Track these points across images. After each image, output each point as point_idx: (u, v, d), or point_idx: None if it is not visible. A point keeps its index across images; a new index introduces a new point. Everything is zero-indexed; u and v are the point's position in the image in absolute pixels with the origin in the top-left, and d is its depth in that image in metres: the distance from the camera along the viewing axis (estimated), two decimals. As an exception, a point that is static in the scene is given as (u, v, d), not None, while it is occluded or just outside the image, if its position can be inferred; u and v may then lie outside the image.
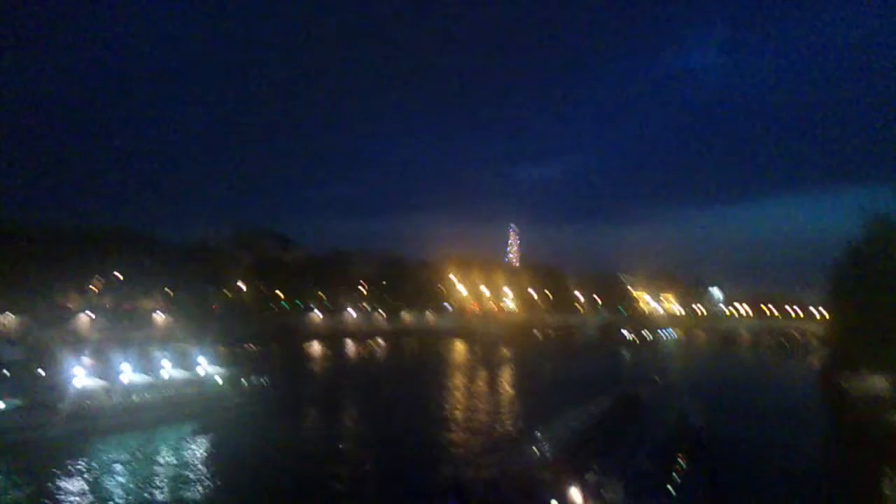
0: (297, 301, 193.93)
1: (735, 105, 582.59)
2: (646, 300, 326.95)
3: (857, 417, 68.96)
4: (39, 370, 59.77)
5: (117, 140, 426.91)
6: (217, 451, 53.68)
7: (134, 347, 69.61)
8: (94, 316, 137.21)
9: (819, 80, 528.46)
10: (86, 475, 45.19)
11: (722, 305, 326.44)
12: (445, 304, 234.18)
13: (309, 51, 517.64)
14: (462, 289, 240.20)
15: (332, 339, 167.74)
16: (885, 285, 68.31)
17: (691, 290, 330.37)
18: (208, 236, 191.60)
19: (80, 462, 47.54)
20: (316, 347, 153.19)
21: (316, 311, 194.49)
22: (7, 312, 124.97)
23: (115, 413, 56.93)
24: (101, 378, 58.64)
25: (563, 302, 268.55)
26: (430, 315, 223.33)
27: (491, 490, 30.31)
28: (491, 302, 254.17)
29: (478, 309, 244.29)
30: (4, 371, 57.84)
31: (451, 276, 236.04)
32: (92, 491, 42.10)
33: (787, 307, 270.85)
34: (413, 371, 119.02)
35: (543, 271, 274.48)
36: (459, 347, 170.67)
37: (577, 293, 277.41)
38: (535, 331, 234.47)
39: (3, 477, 44.30)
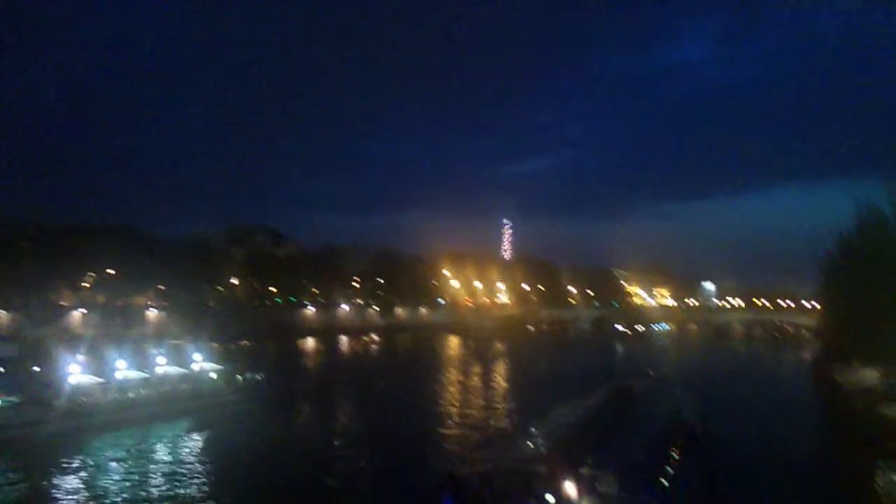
0: (291, 297, 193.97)
1: (726, 99, 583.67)
2: (639, 294, 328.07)
3: (849, 410, 69.25)
4: (35, 367, 59.73)
5: (109, 137, 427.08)
6: (213, 447, 53.79)
7: (129, 344, 69.55)
8: (86, 312, 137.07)
9: (810, 74, 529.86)
10: (82, 472, 45.18)
11: (714, 299, 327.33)
12: (439, 299, 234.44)
13: (301, 48, 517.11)
14: (456, 284, 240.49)
15: (326, 334, 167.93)
16: (875, 277, 68.48)
17: (684, 284, 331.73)
18: (201, 232, 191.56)
19: (76, 459, 47.50)
20: (310, 343, 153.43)
21: (310, 306, 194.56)
22: (0, 309, 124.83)
23: (110, 409, 56.88)
24: (96, 375, 58.58)
25: (556, 296, 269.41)
26: (423, 310, 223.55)
27: (485, 484, 30.43)
28: (484, 297, 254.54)
29: (471, 304, 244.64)
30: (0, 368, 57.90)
31: (445, 271, 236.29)
32: (88, 488, 42.09)
33: (779, 300, 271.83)
34: (407, 366, 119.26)
35: (537, 266, 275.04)
36: (453, 342, 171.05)
37: (570, 287, 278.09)
38: (528, 325, 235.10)
39: (1, 475, 44.35)
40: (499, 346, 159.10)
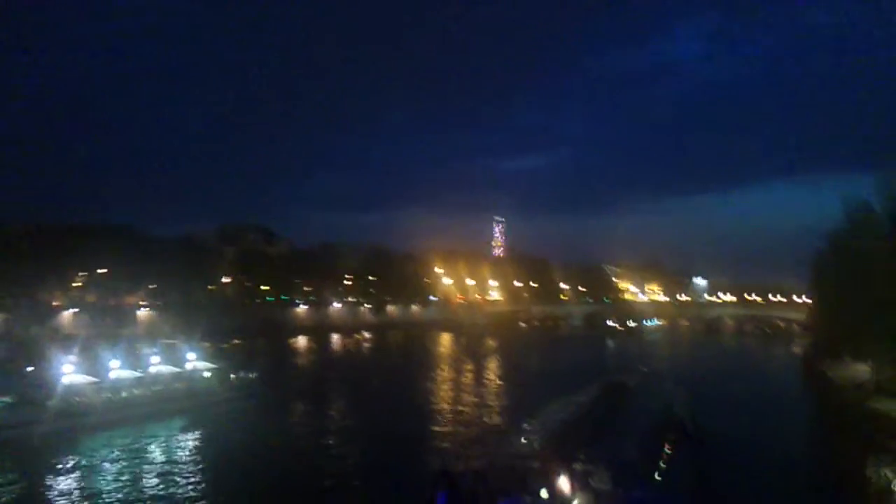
0: (283, 295, 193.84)
1: (722, 96, 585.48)
2: (630, 290, 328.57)
3: (840, 404, 69.70)
4: (28, 367, 59.67)
5: (105, 136, 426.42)
6: (207, 446, 53.82)
7: (122, 343, 69.56)
8: (75, 311, 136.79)
9: (805, 71, 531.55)
10: (76, 473, 45.22)
11: (706, 294, 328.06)
12: (431, 296, 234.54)
13: (297, 47, 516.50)
14: (448, 281, 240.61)
15: (318, 332, 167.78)
16: (864, 273, 68.93)
17: (676, 280, 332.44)
18: (193, 231, 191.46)
19: (70, 459, 47.53)
20: (302, 342, 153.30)
21: (301, 305, 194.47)
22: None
23: (104, 409, 56.87)
24: (89, 374, 58.57)
25: (548, 292, 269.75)
26: (415, 307, 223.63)
27: (480, 480, 30.61)
28: (476, 293, 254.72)
29: (463, 301, 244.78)
30: None
31: (437, 268, 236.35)
32: (83, 489, 42.13)
33: (770, 295, 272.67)
34: (400, 364, 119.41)
35: (529, 262, 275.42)
36: (445, 340, 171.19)
37: (562, 284, 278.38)
38: (520, 322, 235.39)
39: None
40: (491, 342, 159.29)
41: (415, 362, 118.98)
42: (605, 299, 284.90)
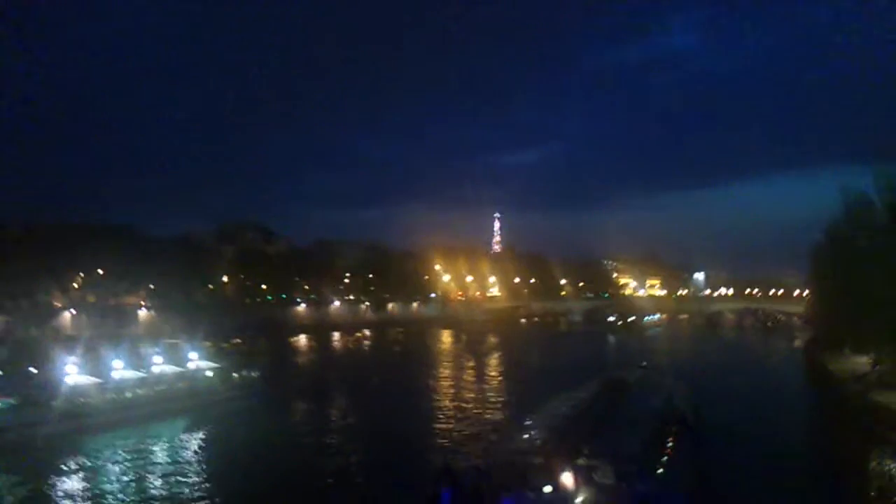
0: (282, 294, 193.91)
1: (719, 88, 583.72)
2: (630, 285, 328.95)
3: (841, 397, 69.90)
4: (31, 368, 59.81)
5: (98, 136, 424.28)
6: (210, 446, 54.02)
7: (125, 343, 69.74)
8: (75, 312, 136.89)
9: (798, 62, 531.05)
10: (80, 474, 45.38)
11: (707, 289, 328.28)
12: (431, 293, 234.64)
13: (294, 45, 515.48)
14: (447, 278, 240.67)
15: (318, 331, 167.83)
16: (863, 265, 69.09)
17: (676, 275, 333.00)
18: (192, 230, 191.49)
19: (74, 460, 47.69)
20: (302, 340, 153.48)
21: (301, 303, 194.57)
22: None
23: (108, 410, 57.02)
24: (92, 375, 58.73)
25: (548, 289, 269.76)
26: (415, 305, 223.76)
27: (483, 476, 30.74)
28: (476, 290, 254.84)
29: (463, 298, 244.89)
30: None
31: (436, 265, 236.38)
32: (87, 490, 42.30)
33: (770, 289, 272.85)
34: (401, 362, 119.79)
35: (528, 258, 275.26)
36: (446, 337, 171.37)
37: (561, 280, 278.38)
38: (520, 318, 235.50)
39: (1, 476, 44.51)
40: (491, 339, 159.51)
41: (415, 360, 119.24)
42: (604, 295, 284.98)
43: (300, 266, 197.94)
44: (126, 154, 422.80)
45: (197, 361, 68.86)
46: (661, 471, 33.25)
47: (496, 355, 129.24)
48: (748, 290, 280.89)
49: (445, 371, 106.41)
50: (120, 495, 41.24)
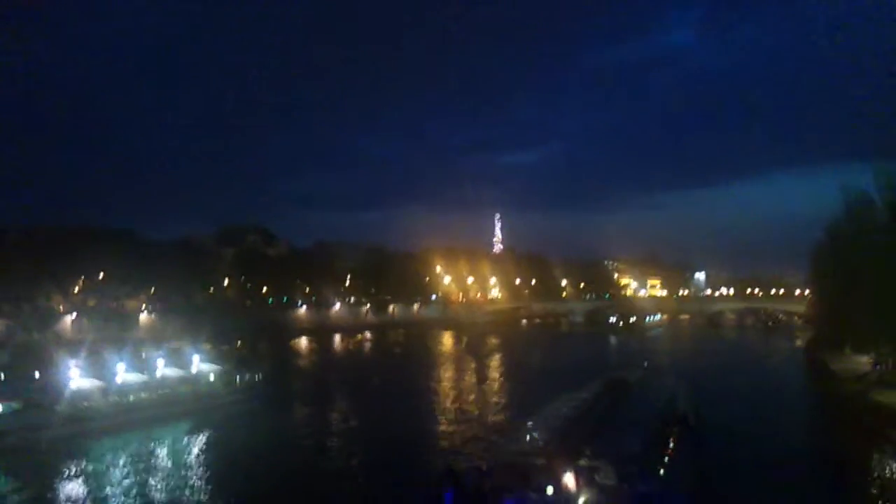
0: (283, 296, 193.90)
1: (719, 86, 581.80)
2: (631, 286, 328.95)
3: (842, 396, 69.97)
4: (35, 372, 59.94)
5: (97, 138, 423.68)
6: (213, 449, 54.15)
7: (128, 347, 69.83)
8: (76, 316, 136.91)
9: (798, 60, 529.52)
10: (84, 478, 45.51)
11: (707, 289, 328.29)
12: (432, 295, 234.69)
13: (293, 46, 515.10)
14: (448, 279, 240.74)
15: (319, 334, 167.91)
16: (864, 264, 69.18)
17: (676, 275, 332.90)
18: (192, 234, 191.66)
19: (79, 464, 47.82)
20: (303, 343, 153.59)
21: (302, 306, 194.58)
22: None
23: (111, 413, 57.15)
24: (96, 378, 58.86)
25: (549, 290, 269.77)
26: (416, 307, 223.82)
27: (485, 478, 30.86)
28: (477, 291, 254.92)
29: (464, 299, 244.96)
30: (0, 374, 58.11)
31: (437, 266, 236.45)
32: (91, 494, 42.44)
33: (771, 288, 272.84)
34: (402, 364, 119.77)
35: (529, 259, 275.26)
36: (447, 338, 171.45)
37: (562, 281, 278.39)
38: (521, 319, 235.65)
39: (4, 480, 44.66)
40: (492, 340, 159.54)
41: (416, 362, 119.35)
42: (606, 296, 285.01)
43: (301, 268, 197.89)
44: (126, 157, 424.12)
45: (199, 364, 68.94)
46: (662, 471, 33.35)
47: (497, 357, 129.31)
48: (749, 290, 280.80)
49: (446, 373, 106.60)
50: (123, 499, 41.35)
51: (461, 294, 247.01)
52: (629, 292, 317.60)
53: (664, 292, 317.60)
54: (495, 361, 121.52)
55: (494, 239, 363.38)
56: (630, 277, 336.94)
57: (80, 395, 56.32)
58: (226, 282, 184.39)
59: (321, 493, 43.28)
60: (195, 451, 53.53)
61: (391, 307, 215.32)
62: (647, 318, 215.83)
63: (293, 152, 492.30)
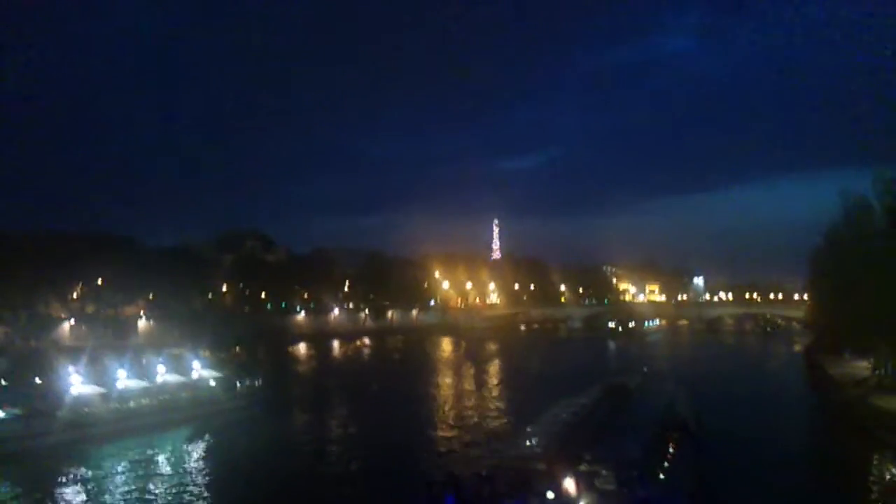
0: (282, 302, 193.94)
1: (719, 90, 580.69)
2: (630, 291, 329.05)
3: (841, 401, 70.03)
4: (36, 378, 60.04)
5: (95, 142, 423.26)
6: (214, 455, 54.27)
7: (128, 353, 69.90)
8: (74, 323, 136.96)
9: (798, 64, 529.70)
10: (85, 484, 45.50)
11: (706, 294, 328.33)
12: (431, 301, 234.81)
13: (289, 49, 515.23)
14: (446, 285, 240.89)
15: (318, 339, 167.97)
16: (863, 269, 69.23)
17: (675, 280, 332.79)
18: (190, 240, 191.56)
19: (79, 470, 47.85)
20: (302, 349, 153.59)
21: (301, 312, 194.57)
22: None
23: (112, 419, 57.22)
24: (96, 385, 58.93)
25: (547, 295, 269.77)
26: (415, 312, 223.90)
27: (485, 483, 30.95)
28: (475, 297, 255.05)
29: (462, 305, 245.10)
30: (1, 381, 58.19)
31: (436, 272, 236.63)
32: (91, 500, 42.48)
33: (770, 293, 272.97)
34: (400, 370, 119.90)
35: (527, 265, 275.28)
36: (445, 344, 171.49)
37: (561, 286, 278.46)
38: (520, 325, 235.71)
39: (6, 486, 44.70)
40: (491, 346, 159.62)
41: (415, 367, 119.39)
42: (604, 301, 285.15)
43: (299, 274, 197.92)
44: (124, 162, 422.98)
45: (200, 371, 69.08)
46: (662, 476, 33.45)
47: (496, 362, 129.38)
48: (748, 295, 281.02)
49: (445, 379, 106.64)
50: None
51: (460, 300, 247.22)
52: (628, 298, 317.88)
53: (663, 297, 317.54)
54: (494, 367, 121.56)
55: (492, 245, 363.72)
56: (629, 283, 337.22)
57: (81, 401, 56.42)
58: (224, 288, 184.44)
59: (321, 499, 43.35)
60: (196, 456, 53.67)
61: (390, 313, 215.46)
62: (646, 323, 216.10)
63: (292, 153, 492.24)
